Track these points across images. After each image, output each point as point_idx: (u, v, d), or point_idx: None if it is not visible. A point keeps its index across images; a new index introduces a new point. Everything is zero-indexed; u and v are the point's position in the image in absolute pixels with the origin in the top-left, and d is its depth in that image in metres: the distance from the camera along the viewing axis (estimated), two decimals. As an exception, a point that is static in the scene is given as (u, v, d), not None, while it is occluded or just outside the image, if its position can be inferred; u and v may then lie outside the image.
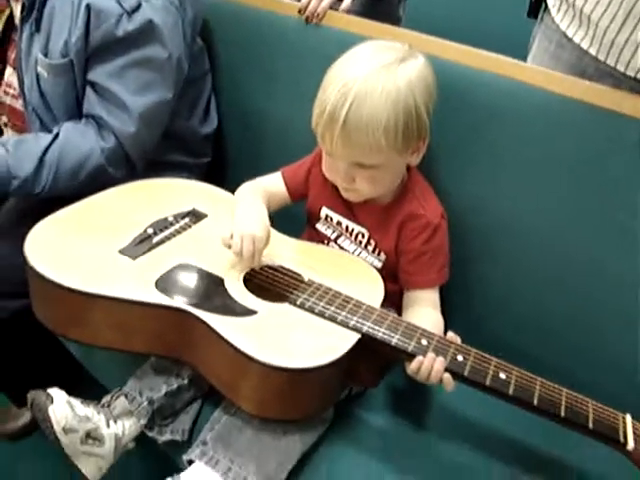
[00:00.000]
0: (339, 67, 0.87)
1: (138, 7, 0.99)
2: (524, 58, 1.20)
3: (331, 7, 1.12)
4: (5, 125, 1.22)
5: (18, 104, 1.16)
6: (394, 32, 1.07)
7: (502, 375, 0.77)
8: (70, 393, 0.82)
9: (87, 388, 1.03)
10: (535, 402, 0.74)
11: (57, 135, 1.05)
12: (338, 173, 0.89)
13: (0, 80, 1.20)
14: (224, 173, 1.32)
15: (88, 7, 0.99)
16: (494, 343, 0.94)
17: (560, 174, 0.93)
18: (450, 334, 0.82)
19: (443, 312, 0.95)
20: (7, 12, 1.18)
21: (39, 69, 1.07)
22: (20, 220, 1.09)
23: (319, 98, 0.86)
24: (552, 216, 0.95)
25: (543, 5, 1.09)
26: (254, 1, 1.23)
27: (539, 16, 1.12)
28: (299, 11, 1.14)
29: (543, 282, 0.98)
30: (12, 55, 1.16)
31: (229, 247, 0.86)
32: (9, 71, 1.18)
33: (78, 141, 1.05)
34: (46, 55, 1.05)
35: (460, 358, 0.78)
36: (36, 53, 1.07)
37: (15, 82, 1.15)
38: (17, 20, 1.12)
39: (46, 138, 1.05)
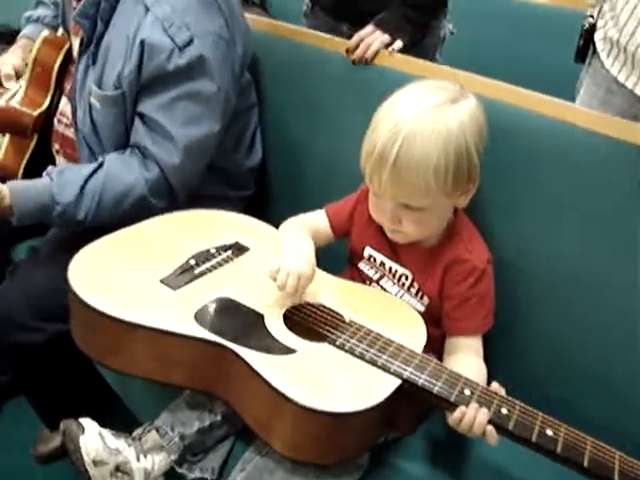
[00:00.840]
0: (390, 106, 0.87)
1: (190, 42, 1.02)
2: (572, 101, 1.19)
3: None
4: (57, 152, 1.25)
5: (70, 132, 1.19)
6: (442, 71, 1.07)
7: (549, 432, 0.73)
8: (102, 420, 0.81)
9: (119, 415, 1.03)
10: (585, 463, 0.70)
11: (101, 164, 1.07)
12: (385, 214, 0.88)
13: (55, 109, 1.24)
14: (266, 207, 1.32)
15: (142, 42, 1.01)
16: (540, 395, 0.91)
17: (609, 217, 0.90)
18: (494, 385, 0.79)
19: (486, 360, 0.91)
20: (67, 46, 1.22)
21: (92, 100, 1.10)
22: (61, 246, 1.11)
23: (368, 137, 0.86)
24: (601, 259, 0.91)
25: (591, 49, 1.07)
26: (302, 37, 1.25)
27: (587, 61, 1.10)
28: (347, 51, 1.14)
29: (597, 330, 0.93)
30: (68, 86, 1.20)
31: (274, 280, 0.85)
32: (64, 101, 1.22)
33: (122, 171, 1.07)
34: (100, 87, 1.08)
35: (504, 411, 0.75)
36: (90, 84, 1.10)
37: (69, 111, 1.18)
38: (75, 53, 1.16)
39: (89, 167, 1.07)
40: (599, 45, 1.03)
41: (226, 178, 1.24)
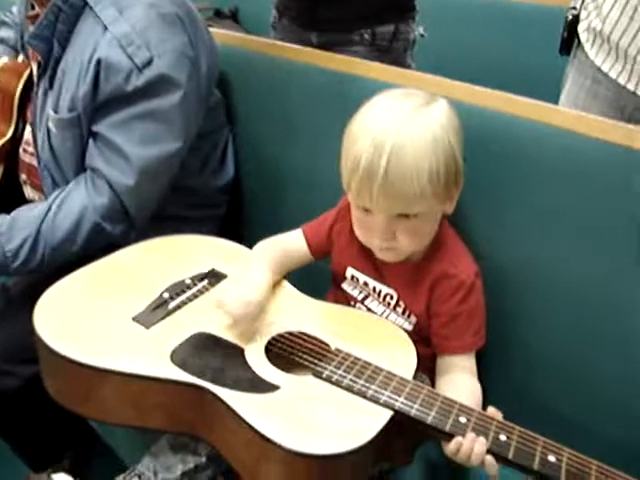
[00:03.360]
0: (363, 120, 0.83)
1: (150, 62, 0.97)
2: (557, 95, 1.16)
3: None
4: (24, 182, 1.20)
5: (35, 162, 1.14)
6: (417, 77, 1.04)
7: (551, 458, 0.69)
8: (86, 458, 0.76)
9: (104, 454, 0.99)
10: (591, 489, 0.67)
11: (50, 204, 1.03)
12: (375, 231, 0.84)
13: (20, 138, 1.19)
14: (242, 227, 1.28)
15: (99, 61, 0.97)
16: (540, 412, 0.88)
17: (599, 222, 0.87)
18: (491, 409, 0.75)
19: (480, 378, 0.88)
20: (27, 72, 1.17)
21: (49, 124, 1.05)
22: (32, 284, 1.06)
23: (347, 154, 0.82)
24: (593, 265, 0.88)
25: (576, 41, 1.05)
26: (271, 49, 1.21)
27: (572, 52, 1.08)
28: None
29: (593, 340, 0.89)
30: (30, 114, 1.15)
31: (220, 306, 0.83)
32: (28, 129, 1.17)
33: (69, 202, 1.02)
34: (56, 111, 1.04)
35: (503, 438, 0.71)
36: (48, 110, 1.05)
37: (32, 140, 1.14)
38: (35, 79, 1.11)
39: (38, 210, 1.03)
40: (583, 36, 1.01)
41: (192, 198, 1.18)
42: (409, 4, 1.35)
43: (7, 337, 1.04)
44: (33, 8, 1.10)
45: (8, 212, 1.05)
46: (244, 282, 0.87)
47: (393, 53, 1.29)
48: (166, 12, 1.00)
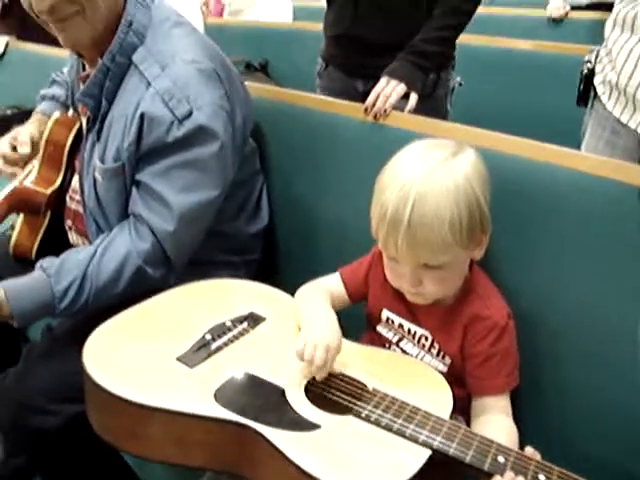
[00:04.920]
0: (393, 170, 0.87)
1: (189, 114, 1.02)
2: (578, 144, 1.19)
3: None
4: (70, 228, 1.26)
5: (81, 209, 1.20)
6: (445, 127, 1.09)
7: (592, 498, 0.70)
8: None
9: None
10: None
11: (96, 247, 1.07)
12: (404, 278, 0.87)
13: (68, 186, 1.26)
14: (277, 272, 1.31)
15: (142, 115, 1.03)
16: (575, 454, 0.87)
17: (628, 263, 0.88)
18: (529, 449, 0.76)
19: (515, 420, 0.89)
20: (77, 125, 1.25)
21: (96, 174, 1.12)
22: (76, 325, 1.09)
23: (376, 202, 0.85)
24: (623, 307, 0.88)
25: (592, 92, 1.08)
26: (302, 101, 1.27)
27: (589, 103, 1.11)
28: (365, 110, 1.15)
29: (626, 382, 0.89)
30: (79, 164, 1.21)
31: (302, 357, 0.83)
32: (75, 178, 1.24)
33: (114, 247, 1.06)
34: (102, 161, 1.10)
35: (542, 478, 0.72)
36: (95, 160, 1.12)
37: (79, 188, 1.20)
38: (84, 132, 1.18)
39: (85, 253, 1.06)
40: (599, 89, 1.04)
41: (228, 244, 1.23)
42: (451, 53, 1.42)
43: (50, 376, 1.07)
44: (84, 69, 1.18)
45: (54, 255, 1.10)
46: (319, 327, 0.88)
47: (436, 99, 1.35)
48: (204, 68, 1.06)
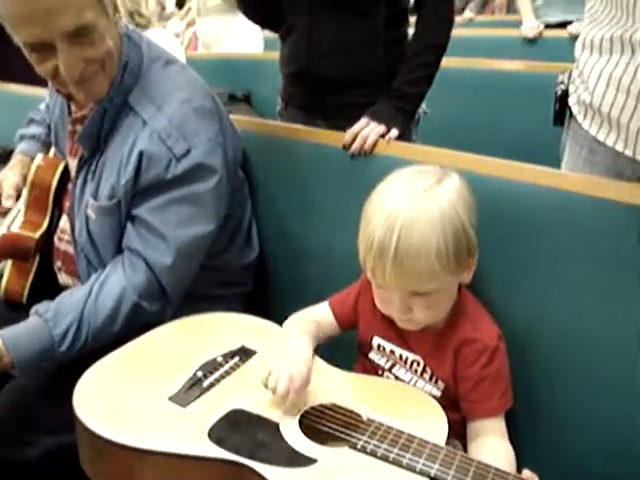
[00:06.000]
0: (378, 199, 0.88)
1: (187, 152, 1.04)
2: (558, 163, 1.21)
3: None
4: (59, 270, 1.25)
5: (71, 249, 1.20)
6: (425, 152, 1.10)
7: (591, 519, 0.70)
8: None
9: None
10: None
11: (91, 286, 1.06)
12: (393, 304, 0.88)
13: (55, 228, 1.25)
14: (268, 303, 1.31)
15: (141, 153, 1.04)
16: (572, 470, 0.87)
17: (616, 279, 0.89)
18: (526, 472, 0.76)
19: (511, 440, 0.89)
20: (62, 165, 1.25)
21: (88, 212, 1.12)
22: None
23: (363, 232, 0.86)
24: (609, 321, 0.89)
25: (568, 112, 1.10)
26: (286, 132, 1.29)
27: (565, 123, 1.13)
28: (343, 147, 1.16)
29: (617, 395, 0.90)
30: (67, 204, 1.21)
31: (265, 386, 0.84)
32: (64, 219, 1.23)
33: (109, 284, 1.06)
34: (95, 198, 1.10)
35: (540, 501, 0.72)
36: (87, 198, 1.12)
37: (69, 228, 1.19)
38: (73, 172, 1.18)
39: (80, 293, 1.06)
40: (574, 109, 1.05)
41: (220, 277, 1.23)
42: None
43: (29, 407, 1.06)
44: (69, 109, 1.19)
45: (43, 298, 1.09)
46: (287, 357, 0.89)
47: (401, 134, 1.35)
48: (198, 106, 1.08)
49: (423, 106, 1.42)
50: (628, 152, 0.92)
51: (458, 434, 0.90)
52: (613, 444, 0.90)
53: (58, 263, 1.26)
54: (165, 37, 2.29)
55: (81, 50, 0.97)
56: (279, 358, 0.88)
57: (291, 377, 0.84)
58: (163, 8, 4.32)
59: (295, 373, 0.84)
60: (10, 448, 1.03)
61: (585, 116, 1.01)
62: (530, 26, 2.70)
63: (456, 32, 1.38)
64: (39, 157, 1.27)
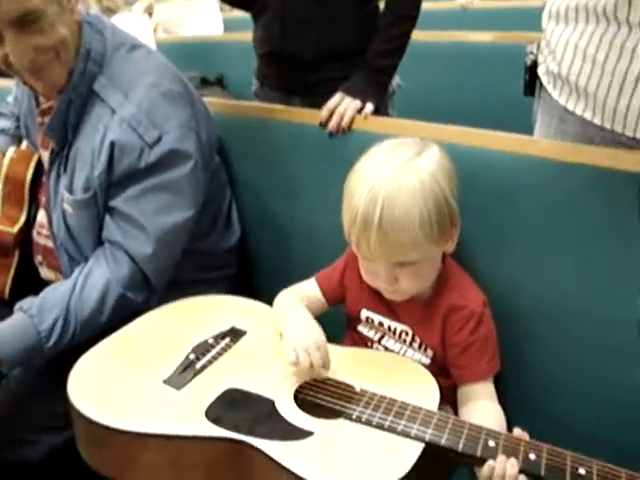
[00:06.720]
0: (360, 173, 0.88)
1: (159, 139, 1.02)
2: (530, 132, 1.22)
3: None
4: (40, 264, 1.24)
5: (50, 243, 1.19)
6: (403, 125, 1.11)
7: (581, 470, 0.72)
8: None
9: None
10: (623, 497, 0.69)
11: (75, 280, 1.06)
12: (379, 276, 0.89)
13: (33, 222, 1.24)
14: (254, 283, 1.32)
15: (112, 143, 1.02)
16: (562, 431, 0.90)
17: (592, 243, 0.91)
18: (517, 430, 0.78)
19: (500, 402, 0.91)
20: (36, 158, 1.23)
21: (65, 206, 1.10)
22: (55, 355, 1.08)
23: (347, 206, 0.87)
24: (590, 281, 0.92)
25: (538, 82, 1.11)
26: (261, 112, 1.28)
27: (536, 93, 1.14)
28: (320, 124, 1.16)
29: (607, 355, 0.92)
30: (43, 198, 1.20)
31: (296, 364, 0.85)
32: (41, 213, 1.22)
33: (93, 277, 1.05)
34: (70, 192, 1.09)
35: (533, 456, 0.74)
36: (62, 191, 1.11)
37: (46, 222, 1.18)
38: (46, 165, 1.16)
39: (64, 287, 1.05)
40: (544, 79, 1.06)
41: (202, 261, 1.23)
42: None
43: (29, 406, 1.06)
44: (37, 101, 1.17)
45: (26, 294, 1.09)
46: (300, 330, 0.90)
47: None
48: (166, 90, 1.06)
49: (397, 79, 1.42)
50: (596, 120, 0.93)
51: (449, 399, 0.92)
52: (601, 403, 0.93)
53: (39, 257, 1.24)
54: (134, 21, 2.25)
55: (29, 38, 0.95)
56: (295, 334, 0.89)
57: (318, 347, 0.86)
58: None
59: (319, 342, 0.87)
60: (11, 449, 1.03)
61: (554, 86, 1.02)
62: None
63: (425, 5, 1.38)
64: (11, 150, 1.25)
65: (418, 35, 1.35)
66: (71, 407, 0.84)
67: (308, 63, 1.36)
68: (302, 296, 1.01)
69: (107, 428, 0.79)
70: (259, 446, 0.75)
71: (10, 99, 1.37)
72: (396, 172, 0.85)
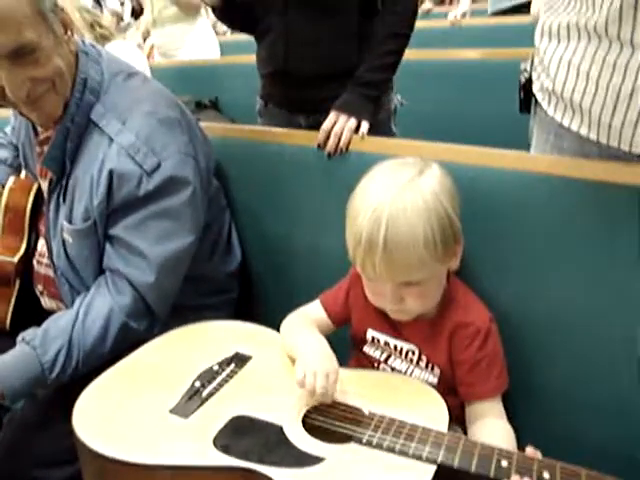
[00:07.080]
0: (362, 195, 0.88)
1: (158, 167, 1.02)
2: (527, 148, 1.23)
3: None
4: (41, 293, 1.24)
5: (51, 272, 1.18)
6: (403, 145, 1.10)
7: (595, 488, 0.71)
8: None
9: None
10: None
11: (77, 310, 1.05)
12: (385, 296, 0.88)
13: (34, 251, 1.23)
14: (255, 308, 1.31)
15: (111, 172, 1.02)
16: (574, 447, 0.89)
17: (595, 256, 0.91)
18: (529, 449, 0.78)
19: (509, 420, 0.90)
20: (35, 187, 1.23)
21: (65, 235, 1.10)
22: (59, 387, 1.06)
23: (351, 228, 0.87)
24: (596, 298, 0.91)
25: (533, 100, 1.11)
26: (259, 135, 1.28)
27: (532, 110, 1.14)
28: (318, 146, 1.17)
29: (615, 373, 0.92)
30: (43, 227, 1.20)
31: (303, 386, 0.84)
32: (41, 242, 1.22)
33: (96, 307, 1.04)
34: (70, 222, 1.09)
35: (547, 475, 0.73)
36: (62, 221, 1.10)
37: (46, 251, 1.18)
38: (45, 194, 1.16)
39: (67, 318, 1.04)
40: (538, 96, 1.07)
41: (204, 286, 1.23)
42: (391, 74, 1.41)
43: (37, 443, 1.05)
44: (35, 130, 1.17)
45: (29, 324, 1.08)
46: (314, 354, 0.89)
47: (379, 124, 1.36)
48: (163, 117, 1.06)
49: (398, 97, 1.44)
50: (592, 136, 0.94)
51: (457, 419, 0.92)
52: (611, 419, 0.92)
53: (39, 287, 1.24)
54: (128, 49, 2.27)
55: (25, 70, 0.95)
56: (307, 357, 0.88)
57: (327, 374, 0.85)
58: (119, 20, 4.27)
59: (329, 370, 0.86)
60: None
61: (549, 103, 1.03)
62: (455, 13, 2.77)
63: (418, 23, 1.39)
64: (11, 180, 1.25)
65: (409, 54, 1.36)
66: (76, 440, 0.83)
67: (311, 81, 1.38)
68: (311, 319, 1.01)
69: (114, 461, 0.78)
70: (270, 475, 0.74)
71: (8, 129, 1.37)
72: (399, 192, 0.85)
